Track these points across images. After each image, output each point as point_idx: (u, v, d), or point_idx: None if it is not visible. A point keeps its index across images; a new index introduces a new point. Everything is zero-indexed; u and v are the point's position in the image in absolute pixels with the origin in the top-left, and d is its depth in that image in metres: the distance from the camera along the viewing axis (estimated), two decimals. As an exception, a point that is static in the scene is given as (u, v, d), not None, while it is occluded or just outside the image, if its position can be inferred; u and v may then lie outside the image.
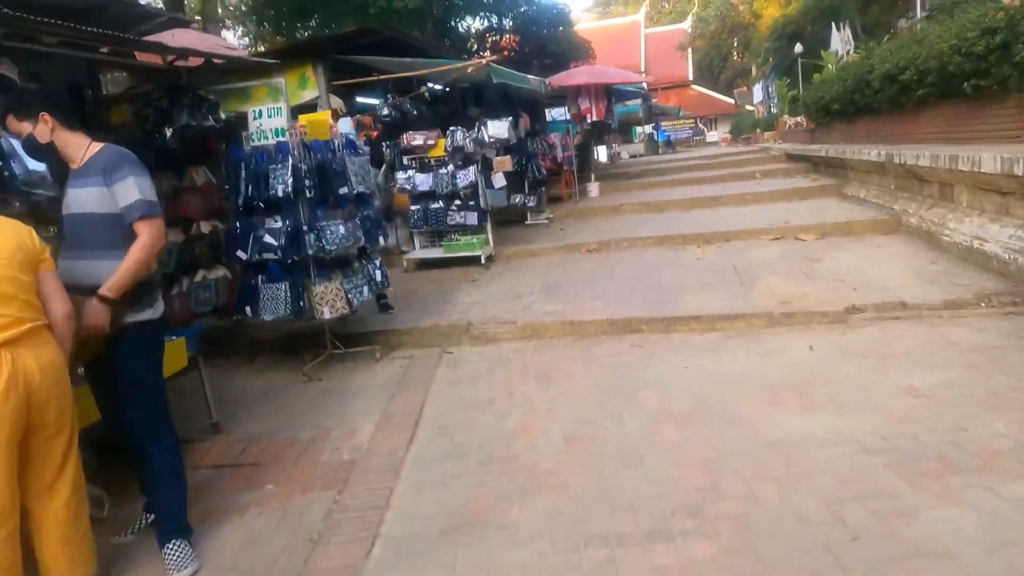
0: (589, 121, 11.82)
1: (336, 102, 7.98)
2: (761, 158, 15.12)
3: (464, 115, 7.80)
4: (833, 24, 19.06)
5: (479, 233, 7.76)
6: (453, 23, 19.62)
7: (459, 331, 5.14)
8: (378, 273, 5.09)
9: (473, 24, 22.34)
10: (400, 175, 7.69)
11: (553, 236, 8.82)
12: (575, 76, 11.65)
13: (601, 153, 27.90)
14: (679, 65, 43.78)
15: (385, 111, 7.78)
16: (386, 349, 5.07)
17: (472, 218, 7.56)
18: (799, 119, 19.86)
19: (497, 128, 7.14)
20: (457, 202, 7.63)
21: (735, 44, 36.77)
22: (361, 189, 4.81)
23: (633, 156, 29.50)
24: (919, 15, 12.07)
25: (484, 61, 7.10)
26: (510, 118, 7.36)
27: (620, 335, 4.77)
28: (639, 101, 28.83)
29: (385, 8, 13.79)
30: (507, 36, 22.08)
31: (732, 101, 43.17)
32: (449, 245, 7.73)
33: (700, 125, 44.50)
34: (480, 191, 7.43)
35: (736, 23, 34.02)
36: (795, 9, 23.15)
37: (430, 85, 7.94)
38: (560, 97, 12.16)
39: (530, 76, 9.29)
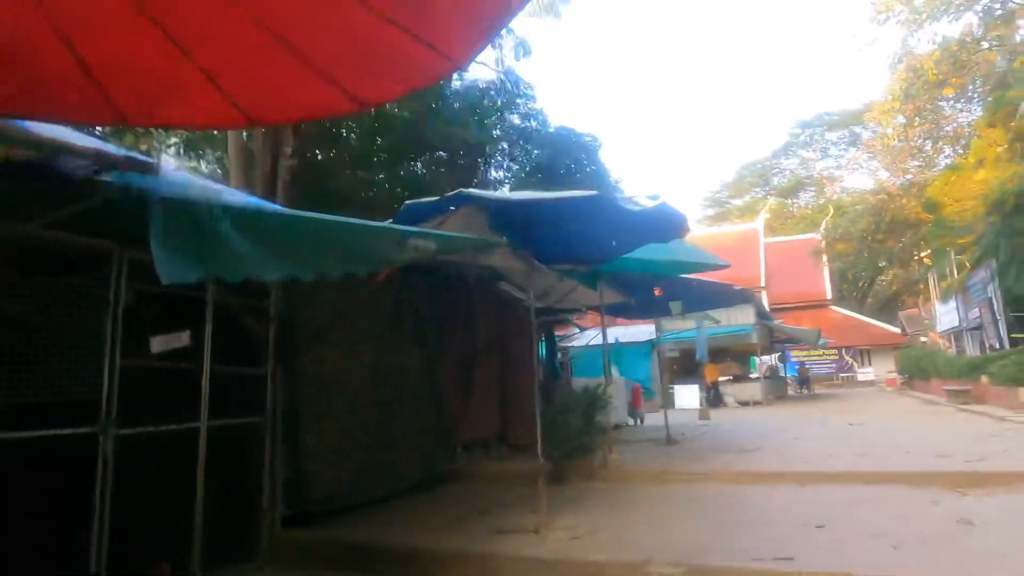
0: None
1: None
2: None
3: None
4: None
5: None
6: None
7: None
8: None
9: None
10: None
11: None
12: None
13: (686, 395, 16.98)
14: (811, 281, 33.72)
15: None
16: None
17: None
18: None
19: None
20: None
21: (894, 248, 26.24)
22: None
23: (745, 403, 18.05)
24: None
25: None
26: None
27: None
28: (751, 318, 18.31)
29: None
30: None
31: (895, 329, 31.21)
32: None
33: (846, 357, 32.69)
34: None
35: (898, 219, 23.85)
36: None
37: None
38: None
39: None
